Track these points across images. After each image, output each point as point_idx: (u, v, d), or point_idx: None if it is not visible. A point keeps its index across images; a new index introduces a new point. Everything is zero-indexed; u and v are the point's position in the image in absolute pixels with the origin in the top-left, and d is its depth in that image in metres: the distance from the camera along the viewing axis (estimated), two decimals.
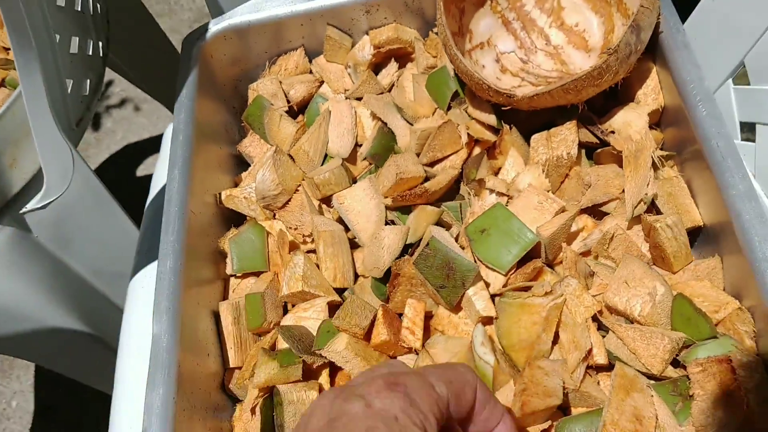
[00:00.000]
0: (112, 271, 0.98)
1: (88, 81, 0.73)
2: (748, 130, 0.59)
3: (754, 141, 0.58)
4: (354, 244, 0.61)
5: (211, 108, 0.70)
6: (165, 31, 1.27)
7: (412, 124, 0.65)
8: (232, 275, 0.62)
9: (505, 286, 0.54)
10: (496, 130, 0.62)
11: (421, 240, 0.57)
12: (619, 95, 0.61)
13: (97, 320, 1.00)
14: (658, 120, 0.60)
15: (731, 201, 0.48)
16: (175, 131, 0.62)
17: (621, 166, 0.58)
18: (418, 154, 0.62)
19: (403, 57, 0.71)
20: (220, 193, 0.65)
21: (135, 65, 1.22)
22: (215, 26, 0.69)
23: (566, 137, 0.58)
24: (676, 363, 0.48)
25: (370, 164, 0.65)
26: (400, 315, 0.55)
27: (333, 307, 0.57)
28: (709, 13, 0.56)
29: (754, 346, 0.46)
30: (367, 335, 0.54)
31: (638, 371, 0.47)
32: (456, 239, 0.57)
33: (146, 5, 1.17)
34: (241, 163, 0.72)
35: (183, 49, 0.68)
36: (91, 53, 0.74)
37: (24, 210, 0.59)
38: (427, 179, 0.60)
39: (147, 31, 1.21)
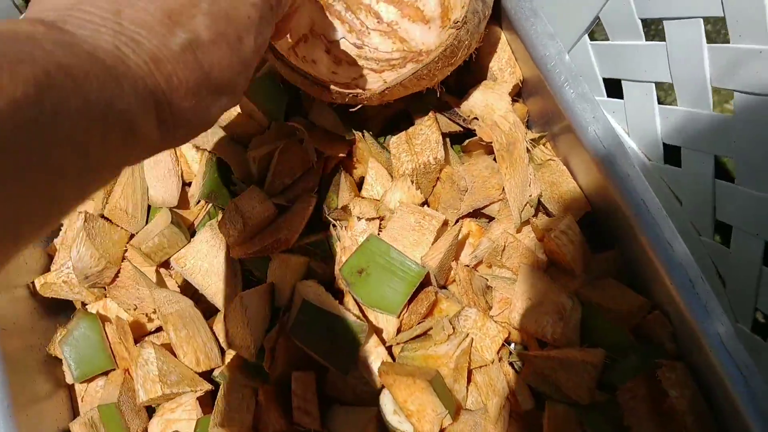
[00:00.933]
0: None
1: None
2: (613, 86, 0.54)
3: (621, 98, 0.53)
4: (210, 308, 0.52)
5: None
6: None
7: (246, 146, 0.54)
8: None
9: (399, 329, 0.47)
10: (345, 138, 0.53)
11: (291, 301, 0.48)
12: (471, 67, 0.54)
13: None
14: (518, 92, 0.53)
15: (625, 195, 0.42)
16: None
17: (491, 155, 0.51)
18: (261, 181, 0.52)
19: None
20: (33, 282, 0.52)
21: None
22: None
23: (428, 137, 0.50)
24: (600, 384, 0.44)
25: (207, 204, 0.54)
26: (289, 385, 0.47)
27: (204, 398, 0.48)
28: None
29: (674, 348, 0.42)
30: (255, 427, 0.46)
31: (567, 404, 0.43)
32: (332, 284, 0.49)
33: None
34: None
35: None
36: None
37: None
38: (284, 208, 0.51)
39: None
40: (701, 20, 0.44)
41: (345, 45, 0.55)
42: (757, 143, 0.43)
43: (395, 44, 0.55)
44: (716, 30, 0.43)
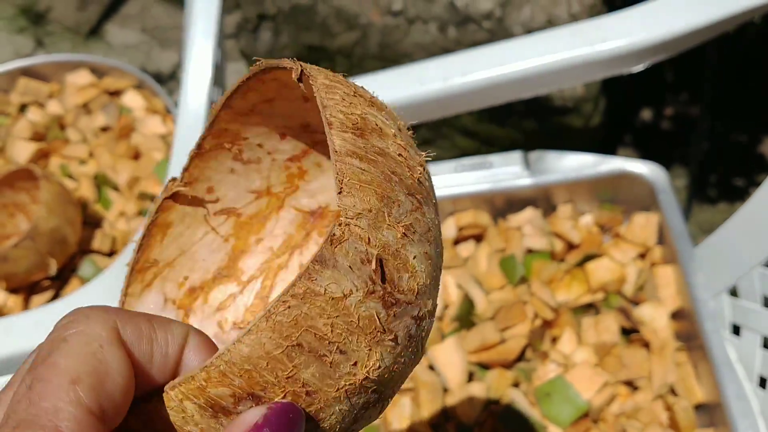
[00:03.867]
0: None
1: None
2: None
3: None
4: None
5: None
6: None
7: (486, 293, 0.85)
8: None
9: None
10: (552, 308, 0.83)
11: (499, 397, 0.77)
12: (645, 288, 0.83)
13: None
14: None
15: (726, 401, 0.69)
16: None
17: (648, 348, 0.79)
18: (491, 317, 0.83)
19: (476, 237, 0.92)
20: None
21: None
22: None
23: (609, 326, 0.79)
24: None
25: (455, 322, 0.85)
26: None
27: None
28: (719, 243, 0.79)
29: None
30: None
31: None
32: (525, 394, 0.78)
33: None
34: None
35: None
36: None
37: None
38: (501, 341, 0.81)
39: None
40: None
41: None
42: None
43: None
44: None
